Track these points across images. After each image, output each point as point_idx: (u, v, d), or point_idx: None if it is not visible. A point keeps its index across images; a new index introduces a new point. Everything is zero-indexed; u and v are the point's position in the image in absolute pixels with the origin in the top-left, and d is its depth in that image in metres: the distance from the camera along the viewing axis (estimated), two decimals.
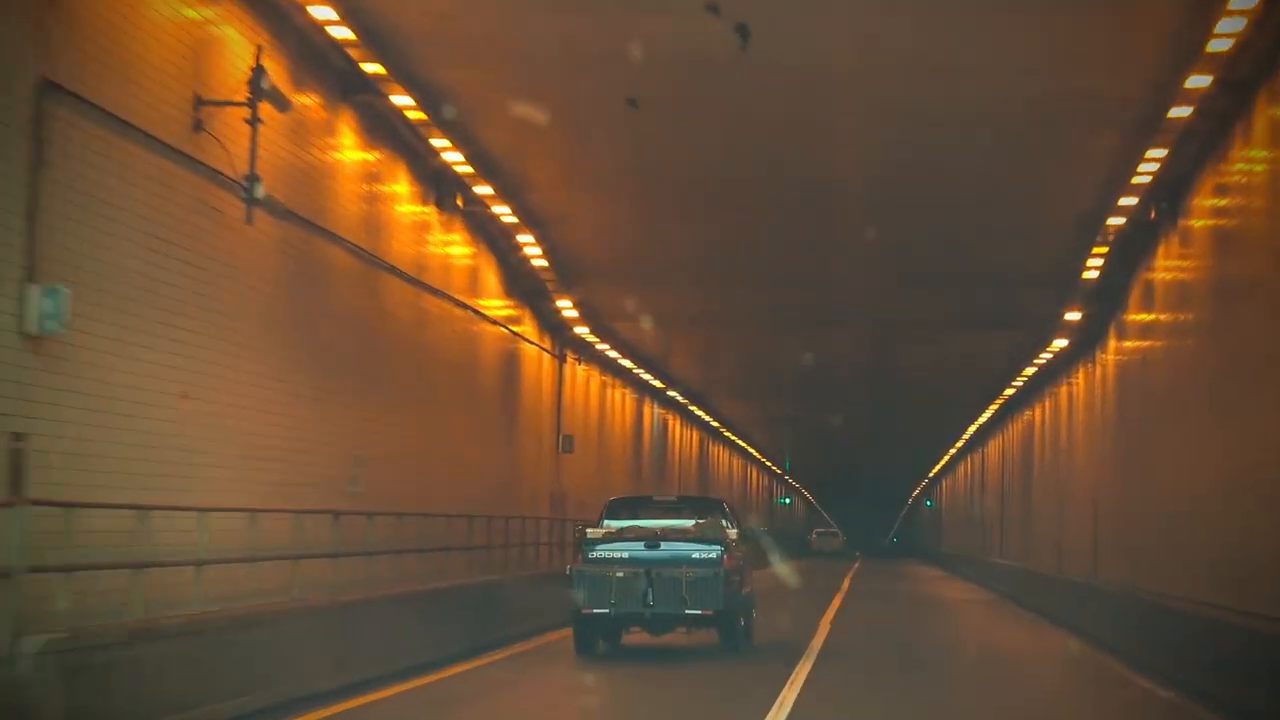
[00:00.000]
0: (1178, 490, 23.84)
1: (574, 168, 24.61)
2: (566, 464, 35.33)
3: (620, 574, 20.34)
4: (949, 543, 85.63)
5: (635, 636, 22.02)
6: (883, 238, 26.85)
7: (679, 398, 50.31)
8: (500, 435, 29.45)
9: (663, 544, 20.75)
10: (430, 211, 24.20)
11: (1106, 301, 29.17)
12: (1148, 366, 26.55)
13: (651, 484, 48.97)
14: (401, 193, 22.75)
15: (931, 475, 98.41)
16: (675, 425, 54.39)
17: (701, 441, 61.80)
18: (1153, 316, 25.89)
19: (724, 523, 22.11)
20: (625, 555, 20.62)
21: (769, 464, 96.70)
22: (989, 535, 59.01)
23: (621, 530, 21.23)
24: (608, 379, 40.76)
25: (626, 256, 29.57)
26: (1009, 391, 44.39)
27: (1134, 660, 22.87)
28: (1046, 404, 40.60)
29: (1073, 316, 30.63)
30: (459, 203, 24.87)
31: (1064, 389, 36.97)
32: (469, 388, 27.30)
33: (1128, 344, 28.65)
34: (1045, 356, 35.33)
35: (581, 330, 34.07)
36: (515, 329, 30.49)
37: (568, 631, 21.71)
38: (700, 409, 55.52)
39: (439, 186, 24.10)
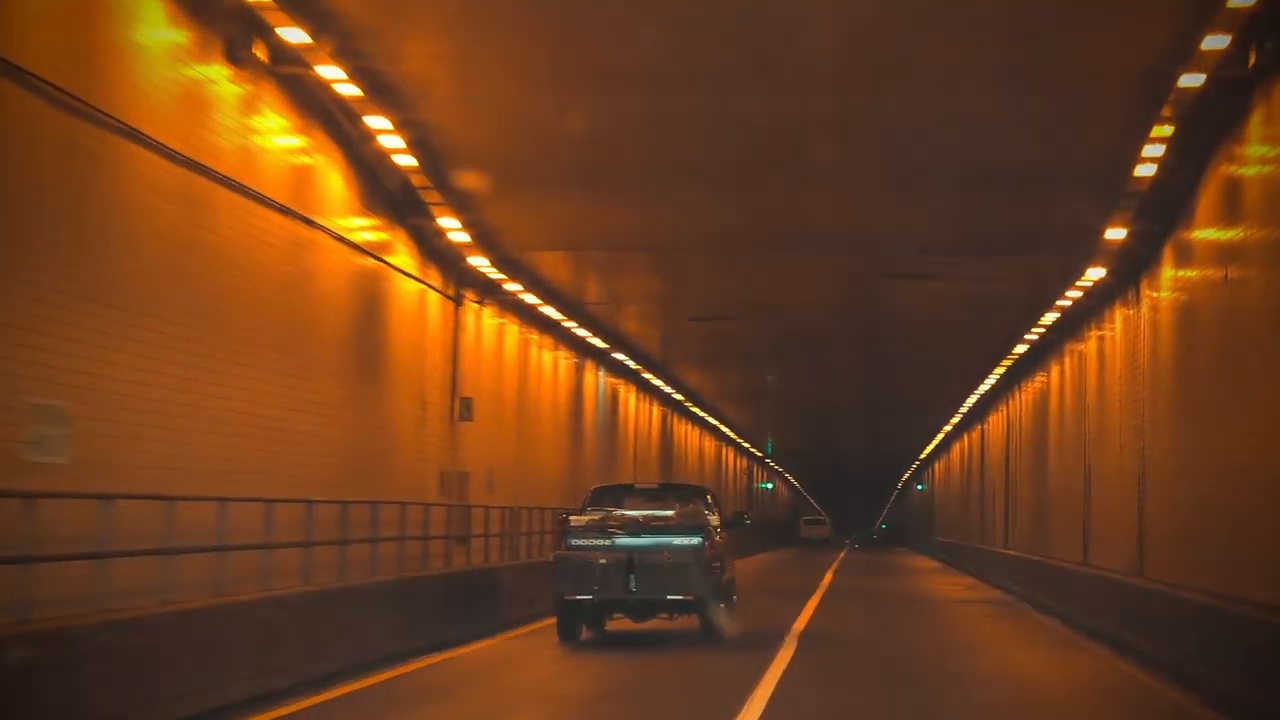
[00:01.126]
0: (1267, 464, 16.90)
1: (451, 8, 17.39)
2: (469, 436, 27.99)
3: (603, 560, 20.62)
4: (944, 530, 78.38)
5: (618, 623, 22.30)
6: (866, 121, 19.64)
7: (630, 362, 42.93)
8: (355, 398, 22.06)
9: (645, 531, 20.97)
10: (220, 71, 16.87)
11: (1163, 210, 21.88)
12: (1225, 302, 19.33)
13: (598, 464, 41.64)
14: (160, 35, 15.48)
15: (924, 456, 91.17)
16: (629, 397, 47.07)
17: (664, 418, 54.50)
18: (1235, 232, 18.63)
19: (706, 510, 22.49)
20: (608, 542, 20.80)
21: (748, 446, 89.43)
22: (990, 521, 51.74)
23: (604, 517, 21.47)
24: (531, 334, 33.37)
25: (535, 154, 22.12)
26: (1019, 349, 36.99)
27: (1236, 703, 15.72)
28: (1068, 361, 33.30)
29: (1115, 235, 23.25)
30: (260, 54, 17.51)
31: (1094, 339, 29.67)
32: (300, 330, 19.96)
33: (1191, 273, 21.40)
34: (1073, 295, 27.91)
35: (480, 263, 26.50)
36: (384, 258, 23.17)
37: None
38: (658, 378, 48.19)
39: (230, 28, 16.80)
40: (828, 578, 47.04)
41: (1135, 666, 20.30)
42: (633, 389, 47.15)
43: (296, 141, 19.72)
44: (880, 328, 35.85)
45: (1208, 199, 20.02)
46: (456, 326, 27.16)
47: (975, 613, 32.19)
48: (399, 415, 24.13)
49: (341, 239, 21.21)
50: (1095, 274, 25.27)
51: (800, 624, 25.14)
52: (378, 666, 17.93)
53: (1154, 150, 20.18)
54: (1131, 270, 24.38)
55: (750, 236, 25.04)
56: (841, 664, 20.16)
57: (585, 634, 21.81)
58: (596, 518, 21.44)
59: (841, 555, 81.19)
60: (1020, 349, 36.59)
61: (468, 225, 24.35)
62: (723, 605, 21.76)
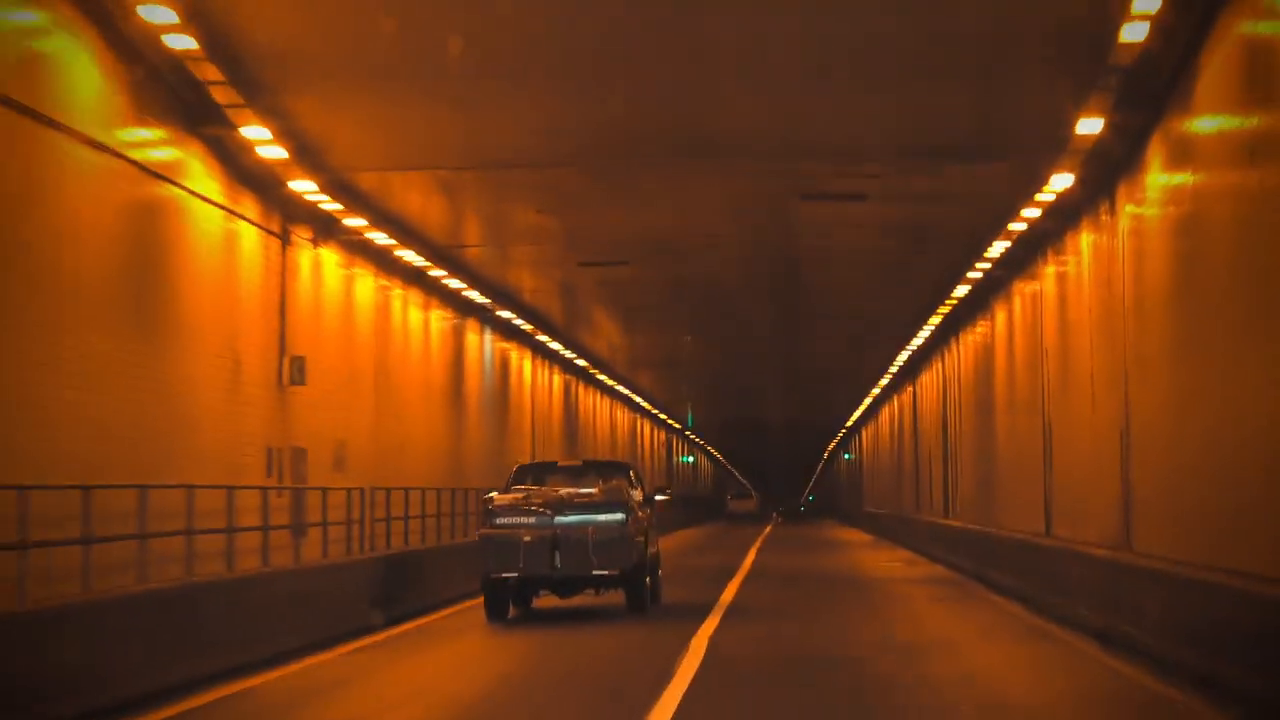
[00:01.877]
0: None
1: None
2: (306, 405, 23.07)
3: (527, 538, 20.75)
4: (874, 500, 74.09)
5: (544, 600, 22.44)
6: None
7: (521, 323, 38.04)
8: (127, 356, 17.09)
9: (568, 508, 21.02)
10: None
11: (1151, 92, 17.31)
12: (1243, 209, 14.80)
13: (486, 439, 36.81)
14: None
15: (851, 423, 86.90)
16: (524, 363, 42.20)
17: (567, 387, 49.67)
18: (1257, 118, 14.12)
19: (629, 486, 22.64)
20: (532, 520, 20.90)
21: (665, 418, 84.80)
22: (927, 490, 47.30)
23: (527, 495, 21.55)
24: (393, 285, 28.43)
25: (357, 33, 17.20)
26: (959, 292, 32.37)
27: None
28: (1018, 303, 28.78)
29: (1089, 128, 18.58)
30: None
31: (1052, 272, 25.12)
32: (39, 269, 15.05)
33: (1187, 176, 16.86)
34: (1029, 215, 23.27)
35: (306, 188, 21.33)
36: (171, 178, 18.21)
37: None
38: (556, 341, 43.34)
39: None
40: (750, 556, 42.45)
41: (1134, 666, 15.77)
42: (527, 353, 42.29)
43: (29, 17, 14.81)
44: (800, 273, 31.14)
45: (1216, 70, 15.44)
46: (284, 270, 22.19)
47: (919, 594, 27.64)
48: (198, 378, 19.15)
49: (101, 147, 16.24)
50: (1061, 182, 20.55)
51: (711, 624, 20.41)
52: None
53: (1147, 3, 15.57)
54: (1106, 175, 19.78)
55: (638, 143, 20.19)
56: (760, 675, 15.52)
57: (512, 612, 21.84)
58: (520, 496, 21.56)
59: (768, 530, 76.84)
60: (960, 291, 31.97)
61: (283, 136, 19.29)
62: (648, 579, 22.26)
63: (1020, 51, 17.19)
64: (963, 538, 34.58)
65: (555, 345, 43.20)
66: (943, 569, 35.75)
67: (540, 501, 21.23)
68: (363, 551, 24.01)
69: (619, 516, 21.09)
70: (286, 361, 21.90)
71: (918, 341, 42.33)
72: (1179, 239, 17.27)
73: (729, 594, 26.58)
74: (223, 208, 19.79)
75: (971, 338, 35.69)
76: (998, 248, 26.22)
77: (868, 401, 67.57)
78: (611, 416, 62.56)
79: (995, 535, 29.64)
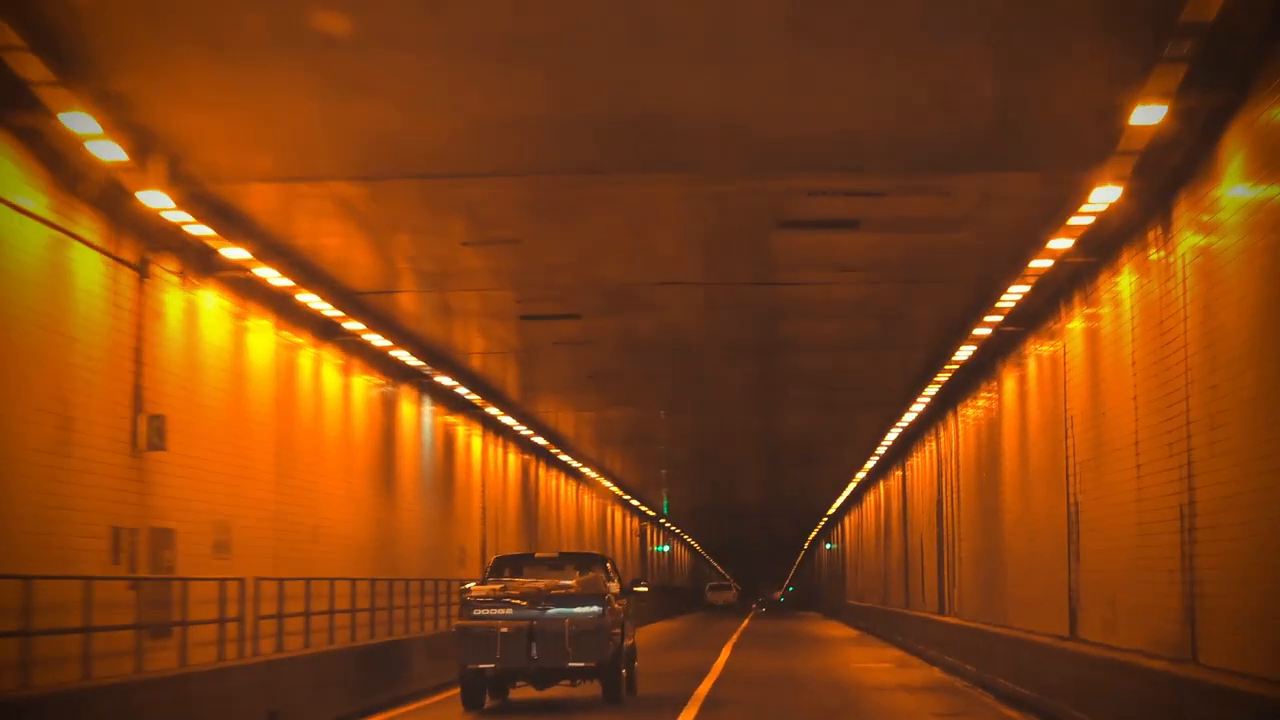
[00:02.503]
0: None
1: None
2: (175, 476, 18.76)
3: (505, 629, 20.93)
4: (857, 592, 69.65)
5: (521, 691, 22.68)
6: None
7: (464, 391, 33.81)
8: None
9: (545, 600, 21.18)
10: None
11: (1230, 67, 13.29)
12: None
13: (426, 523, 32.50)
14: None
15: (832, 511, 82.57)
16: (474, 439, 37.94)
17: (525, 468, 45.36)
18: None
19: (606, 578, 23.05)
20: (509, 611, 21.02)
21: (638, 504, 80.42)
22: (918, 582, 42.98)
23: (505, 586, 21.78)
24: (300, 338, 24.21)
25: None
26: (961, 355, 28.22)
27: None
28: (1033, 365, 24.66)
29: (1147, 116, 14.44)
30: None
31: (1078, 318, 21.01)
32: None
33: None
34: (1058, 246, 19.01)
35: (162, 204, 16.78)
36: None
37: None
38: (510, 415, 39.09)
39: None
40: (724, 656, 38.09)
41: None
42: (477, 429, 38.01)
43: None
44: (778, 327, 26.94)
45: None
46: (141, 309, 17.95)
47: (918, 709, 23.33)
48: (5, 439, 14.90)
49: None
50: (1105, 196, 16.41)
51: None
52: None
53: None
54: (1168, 183, 15.69)
55: (581, 148, 16.03)
56: None
57: (489, 702, 22.40)
58: (498, 587, 21.77)
59: (745, 623, 72.34)
60: (964, 354, 27.83)
61: (119, 130, 15.04)
62: (624, 670, 22.52)
63: (1059, 16, 13.15)
64: (964, 638, 30.26)
65: (508, 419, 38.89)
66: (940, 673, 31.41)
67: (518, 593, 21.44)
68: (241, 656, 19.64)
69: (595, 609, 21.32)
70: (142, 421, 17.64)
71: (910, 416, 38.13)
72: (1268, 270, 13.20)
73: (695, 702, 22.63)
74: (46, 223, 15.60)
75: (973, 410, 31.53)
76: (1013, 294, 22.05)
77: (851, 486, 63.31)
78: (578, 501, 58.20)
79: (1006, 636, 25.34)
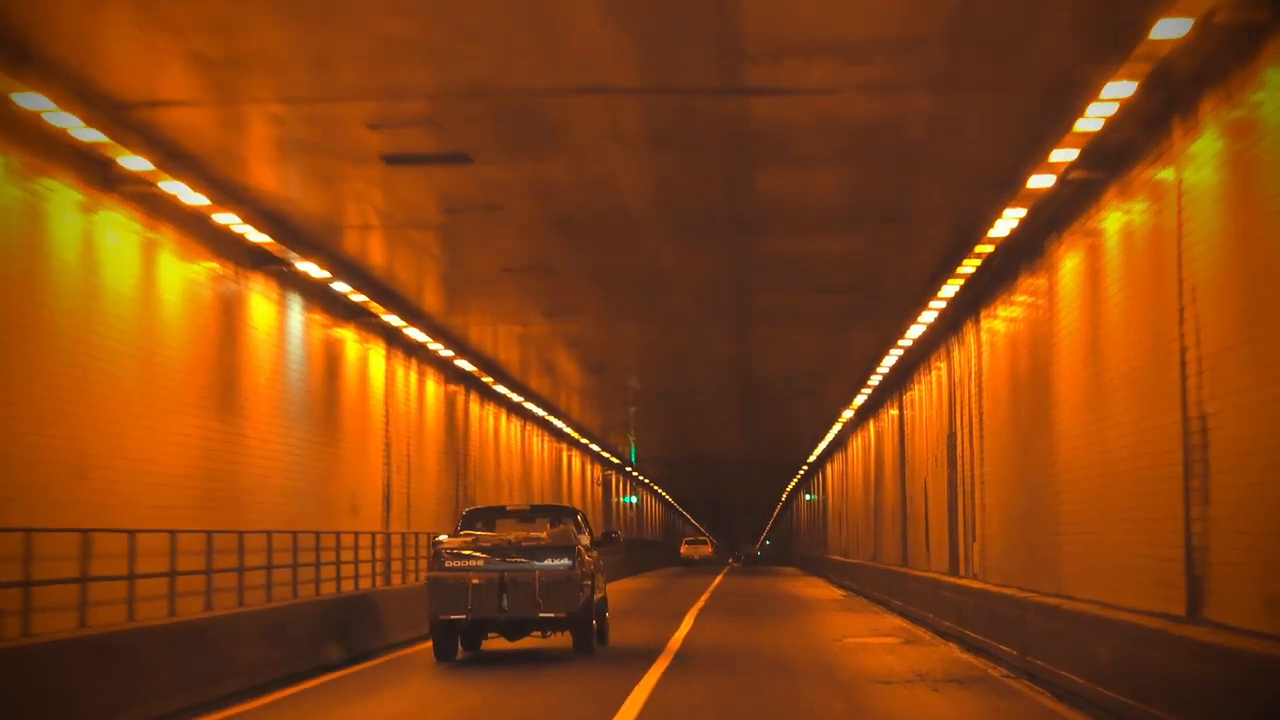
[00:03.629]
0: None
1: None
2: None
3: (476, 580, 21.20)
4: (840, 546, 62.50)
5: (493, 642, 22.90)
6: None
7: (349, 292, 26.27)
8: None
9: (516, 552, 21.45)
10: None
11: None
12: None
13: (303, 456, 25.15)
14: None
15: (813, 458, 75.37)
16: (376, 360, 30.50)
17: (451, 400, 37.93)
18: None
19: (577, 530, 23.10)
20: (480, 563, 21.31)
21: (604, 452, 73.16)
22: (918, 535, 35.80)
23: (476, 538, 22.03)
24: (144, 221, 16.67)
25: None
26: (1000, 230, 20.86)
27: None
28: (1139, 206, 17.26)
29: None
30: None
31: (1110, 213, 13.64)
32: None
33: None
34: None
35: None
36: None
37: None
38: (423, 331, 31.64)
39: None
40: (687, 624, 30.85)
41: None
42: (376, 344, 30.56)
43: None
44: (751, 184, 19.44)
45: None
46: None
47: (943, 710, 16.10)
48: None
49: None
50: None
51: None
52: None
53: None
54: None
55: None
56: None
57: (461, 653, 22.57)
58: (468, 539, 22.02)
59: (718, 580, 65.28)
60: (1004, 225, 20.45)
61: None
62: (595, 621, 22.84)
63: None
64: (996, 608, 22.96)
65: (418, 334, 31.43)
66: (960, 652, 24.23)
67: (489, 545, 21.69)
68: None
69: (566, 561, 21.52)
70: None
71: (917, 330, 30.72)
72: None
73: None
74: None
75: (1006, 314, 24.22)
76: (1106, 103, 14.60)
77: (836, 428, 55.99)
78: (524, 444, 50.79)
79: (1075, 612, 18.01)
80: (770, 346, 35.50)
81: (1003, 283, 24.06)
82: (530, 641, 23.14)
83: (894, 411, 41.55)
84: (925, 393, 34.72)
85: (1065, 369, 20.02)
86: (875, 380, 39.93)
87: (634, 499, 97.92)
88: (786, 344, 34.86)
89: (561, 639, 23.11)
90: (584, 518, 24.75)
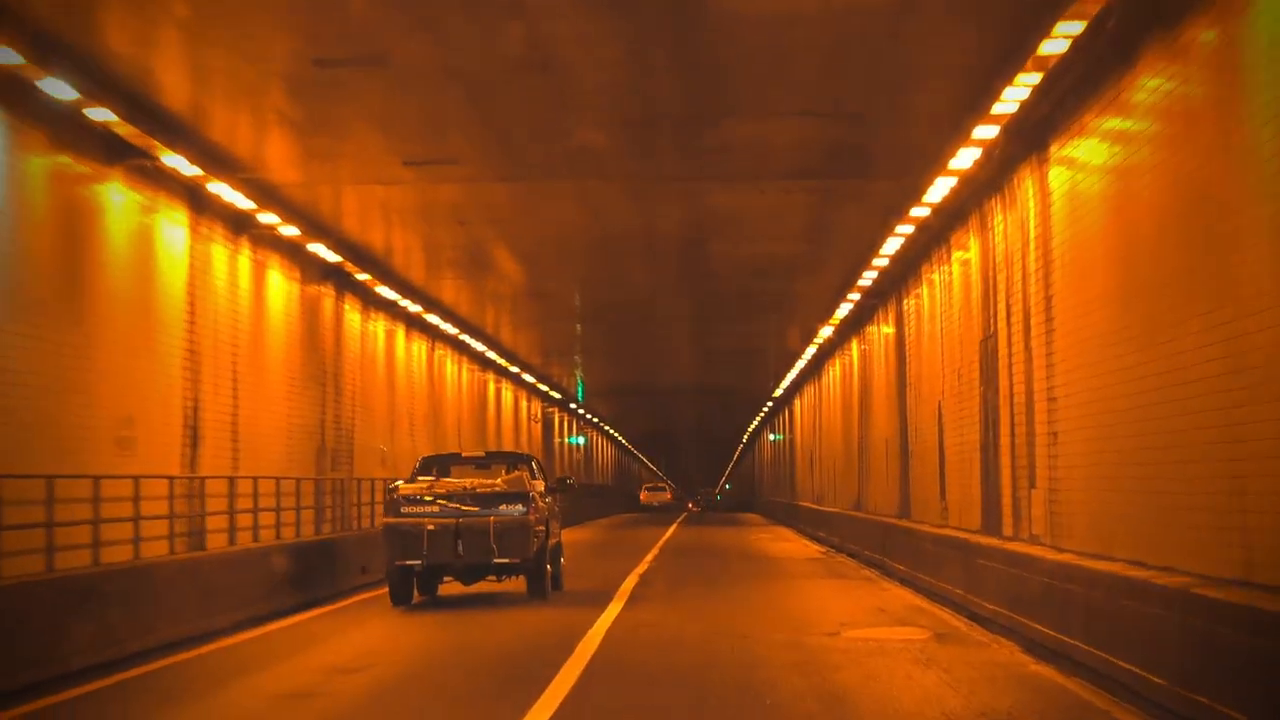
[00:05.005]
0: None
1: None
2: None
3: (431, 526, 21.61)
4: (813, 493, 53.81)
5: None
6: None
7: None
8: None
9: (471, 498, 21.84)
10: None
11: None
12: None
13: (35, 359, 16.08)
14: None
15: (778, 394, 66.62)
16: (173, 232, 21.38)
17: (314, 303, 28.84)
18: None
19: (531, 476, 23.28)
20: (435, 509, 21.74)
21: (545, 386, 64.23)
22: (925, 480, 27.11)
23: (431, 485, 22.27)
24: None
25: None
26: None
27: None
28: None
29: None
30: None
31: None
32: None
33: None
34: None
35: None
36: None
37: None
38: (259, 199, 22.54)
39: None
40: (615, 608, 22.12)
41: None
42: (174, 205, 21.47)
43: None
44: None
45: None
46: None
47: None
48: None
49: None
50: None
51: None
52: None
53: None
54: None
55: None
56: None
57: (417, 597, 22.80)
58: (424, 486, 22.21)
59: (672, 530, 56.85)
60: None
61: None
62: (549, 567, 22.93)
63: None
64: (1130, 606, 13.97)
65: (223, 189, 22.32)
66: (1027, 657, 15.46)
67: (444, 492, 21.92)
68: None
69: (520, 507, 21.81)
70: None
71: (942, 188, 21.73)
72: None
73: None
74: None
75: (1125, 115, 15.30)
76: None
77: (811, 352, 47.07)
78: (430, 369, 41.70)
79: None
80: (730, 224, 26.47)
81: (1104, 80, 15.12)
82: (485, 586, 23.51)
83: (885, 328, 32.71)
84: (941, 288, 25.87)
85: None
86: (866, 281, 30.93)
87: (582, 439, 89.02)
88: (751, 218, 25.85)
89: (517, 584, 23.48)
90: (539, 464, 25.00)
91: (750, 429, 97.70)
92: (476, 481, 22.46)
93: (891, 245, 26.52)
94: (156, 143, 18.84)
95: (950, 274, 24.82)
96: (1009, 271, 20.15)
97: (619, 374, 64.12)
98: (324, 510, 28.56)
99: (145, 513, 18.83)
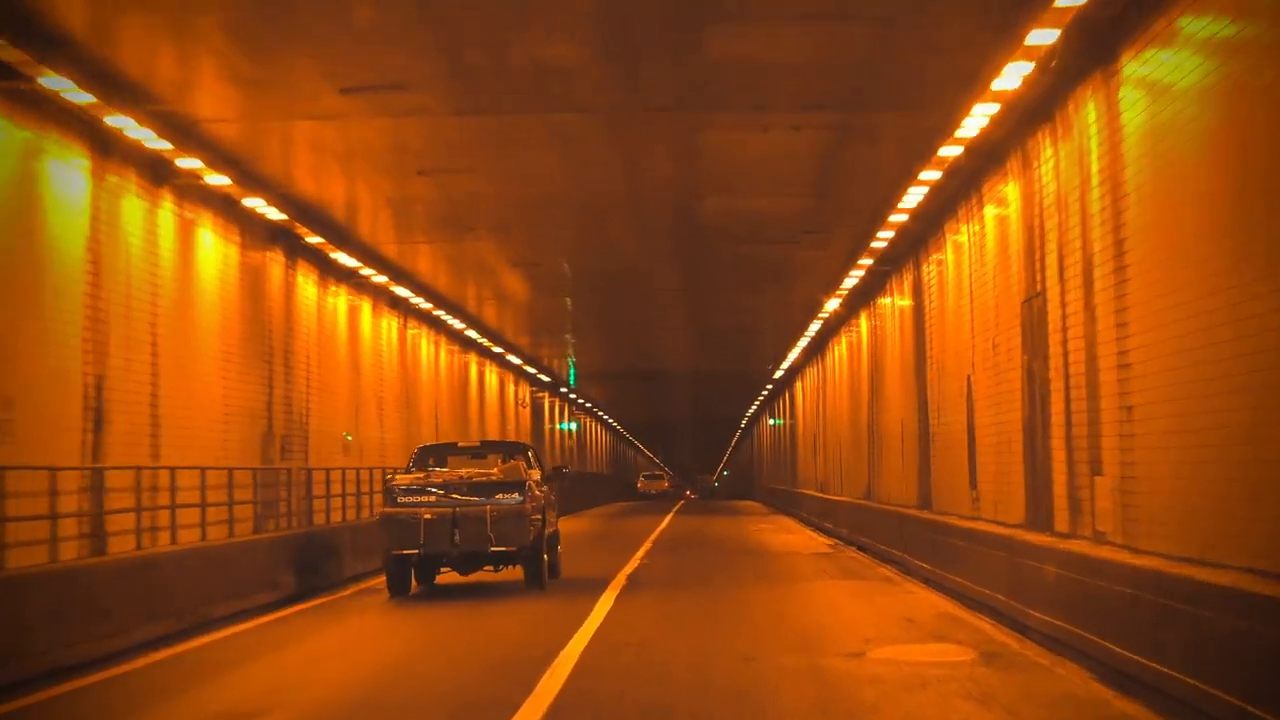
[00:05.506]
0: None
1: None
2: None
3: (428, 516, 21.61)
4: (816, 481, 50.54)
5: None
6: None
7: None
8: None
9: (468, 487, 21.94)
10: None
11: None
12: None
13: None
14: None
15: (778, 376, 63.32)
16: (65, 172, 18.05)
17: (257, 271, 25.48)
18: None
19: (527, 465, 23.53)
20: (432, 498, 21.78)
21: (532, 369, 60.99)
22: (950, 469, 23.86)
23: (428, 474, 22.66)
24: None
25: None
26: None
27: None
28: None
29: None
30: None
31: None
32: None
33: None
34: None
35: None
36: None
37: None
38: (174, 138, 19.18)
39: None
40: (598, 616, 18.85)
41: None
42: (64, 138, 18.14)
43: None
44: None
45: None
46: None
47: None
48: None
49: None
50: None
51: None
52: None
53: None
54: None
55: None
56: None
57: (415, 587, 22.64)
58: (421, 476, 22.51)
59: (667, 520, 53.71)
60: None
61: None
62: (546, 555, 22.79)
63: None
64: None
65: (147, 136, 18.98)
66: (1107, 691, 12.13)
67: (440, 481, 22.09)
68: None
69: (516, 496, 21.82)
70: None
71: (981, 118, 18.36)
72: None
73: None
74: None
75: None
76: None
77: (815, 328, 43.74)
78: (404, 349, 38.37)
79: None
80: (727, 174, 23.09)
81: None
82: (483, 576, 23.30)
83: (901, 299, 29.43)
84: (971, 247, 22.56)
85: None
86: (881, 243, 27.59)
87: (574, 426, 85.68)
88: (751, 165, 22.44)
89: (515, 573, 23.17)
90: (536, 453, 25.09)
91: (748, 414, 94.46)
92: (473, 471, 22.74)
93: (913, 198, 23.16)
94: (31, 58, 15.48)
95: (982, 228, 21.49)
96: (1062, 216, 16.83)
97: (612, 356, 60.87)
98: (277, 504, 25.30)
99: (27, 511, 15.56)
